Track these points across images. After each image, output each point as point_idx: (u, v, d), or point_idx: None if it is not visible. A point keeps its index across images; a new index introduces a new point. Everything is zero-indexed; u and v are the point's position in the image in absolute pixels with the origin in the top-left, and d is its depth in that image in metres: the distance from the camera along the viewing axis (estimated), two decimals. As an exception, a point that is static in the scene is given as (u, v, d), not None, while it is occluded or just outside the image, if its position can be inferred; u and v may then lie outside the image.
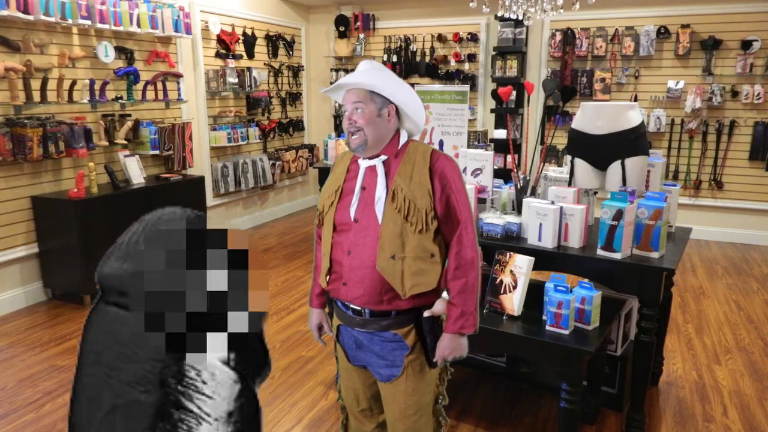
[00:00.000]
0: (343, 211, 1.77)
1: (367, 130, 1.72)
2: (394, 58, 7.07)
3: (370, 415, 1.96)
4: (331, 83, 8.03)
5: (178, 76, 5.47)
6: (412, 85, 2.21)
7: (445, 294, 1.82)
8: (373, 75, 1.73)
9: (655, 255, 2.39)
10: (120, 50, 4.84)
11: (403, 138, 1.80)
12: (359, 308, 1.76)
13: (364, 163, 1.78)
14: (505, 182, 3.03)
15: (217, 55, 6.06)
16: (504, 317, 2.43)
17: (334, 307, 1.89)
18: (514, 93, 5.93)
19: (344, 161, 1.87)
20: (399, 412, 1.80)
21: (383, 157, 1.76)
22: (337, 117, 7.57)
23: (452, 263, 1.75)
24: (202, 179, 5.36)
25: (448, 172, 1.73)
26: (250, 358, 0.58)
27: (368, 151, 1.74)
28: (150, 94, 5.11)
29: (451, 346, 1.76)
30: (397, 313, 1.75)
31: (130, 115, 4.93)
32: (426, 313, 1.75)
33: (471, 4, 4.36)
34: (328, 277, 1.83)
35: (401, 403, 1.79)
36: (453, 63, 6.86)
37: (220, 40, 6.07)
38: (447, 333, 1.76)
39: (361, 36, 7.23)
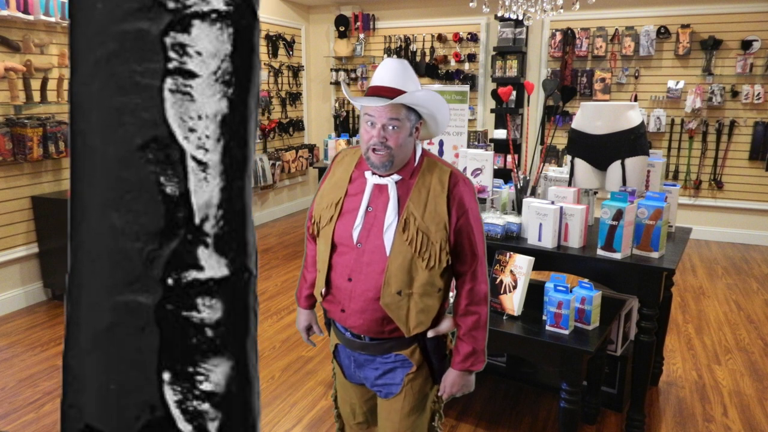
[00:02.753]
0: (343, 230, 1.59)
1: (396, 150, 1.51)
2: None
3: (366, 428, 1.88)
4: (332, 83, 8.00)
5: (178, 76, 5.47)
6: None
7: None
8: (428, 98, 1.52)
9: (655, 255, 2.39)
10: (120, 50, 4.84)
11: (419, 152, 1.62)
12: (359, 334, 1.65)
13: (372, 179, 1.58)
14: (505, 182, 3.03)
15: (217, 55, 6.06)
16: (504, 317, 2.43)
17: (331, 325, 1.77)
18: (514, 93, 5.93)
19: (345, 165, 1.67)
20: (392, 431, 1.70)
21: (397, 177, 1.57)
22: (337, 117, 7.57)
23: (464, 300, 1.61)
24: (202, 179, 5.35)
25: (467, 200, 1.58)
26: None
27: (390, 170, 1.56)
28: (150, 94, 5.10)
29: (459, 383, 1.65)
30: (399, 337, 1.63)
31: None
32: (430, 333, 1.64)
33: (471, 4, 4.37)
34: (323, 294, 1.69)
35: (395, 422, 1.68)
36: (453, 63, 6.86)
37: (220, 40, 6.07)
38: (455, 369, 1.64)
39: (361, 36, 7.23)
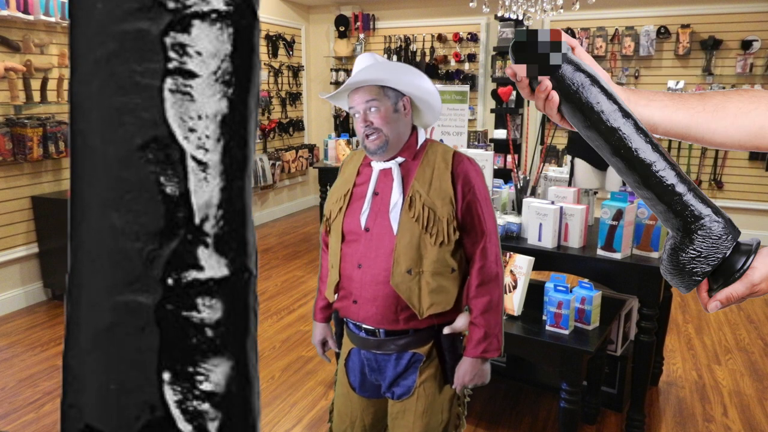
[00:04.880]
0: (352, 218, 1.61)
1: (386, 129, 1.55)
2: (394, 58, 7.07)
3: None
4: (332, 83, 8.01)
5: (178, 76, 5.47)
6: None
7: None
8: (379, 68, 1.54)
9: (655, 255, 2.38)
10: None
11: (421, 137, 1.64)
12: (373, 328, 1.61)
13: (377, 166, 1.62)
14: (505, 182, 3.04)
15: (217, 55, 6.06)
16: (504, 317, 2.43)
17: (345, 329, 1.74)
18: (514, 93, 5.94)
19: (354, 162, 1.72)
20: (407, 430, 1.64)
21: (400, 159, 1.60)
22: (337, 117, 7.57)
23: (475, 279, 1.59)
24: (202, 179, 5.35)
25: (472, 177, 1.58)
26: None
27: (389, 152, 1.58)
28: (150, 94, 5.10)
29: (472, 372, 1.59)
30: (415, 330, 1.60)
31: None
32: (446, 330, 1.61)
33: (471, 4, 4.37)
34: (336, 293, 1.67)
35: (410, 422, 1.62)
36: (453, 63, 6.86)
37: (220, 40, 6.07)
38: (468, 357, 1.59)
39: (361, 36, 7.23)
